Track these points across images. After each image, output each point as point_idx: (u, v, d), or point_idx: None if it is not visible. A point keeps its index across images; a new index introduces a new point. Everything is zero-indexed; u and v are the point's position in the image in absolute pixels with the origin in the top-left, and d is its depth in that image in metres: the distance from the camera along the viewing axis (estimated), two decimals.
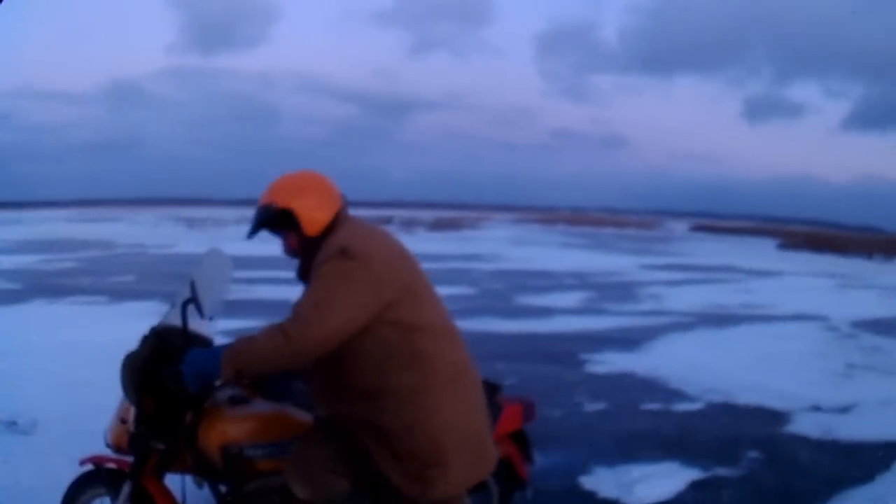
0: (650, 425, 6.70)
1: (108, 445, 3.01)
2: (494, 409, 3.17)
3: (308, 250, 2.71)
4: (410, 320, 2.57)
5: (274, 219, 2.71)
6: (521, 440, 3.57)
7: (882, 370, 9.86)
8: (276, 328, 2.47)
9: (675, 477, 5.31)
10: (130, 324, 11.43)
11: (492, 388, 3.27)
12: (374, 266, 2.52)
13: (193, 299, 2.84)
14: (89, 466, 3.06)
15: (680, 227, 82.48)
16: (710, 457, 5.87)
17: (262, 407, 2.97)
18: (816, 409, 7.63)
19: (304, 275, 2.77)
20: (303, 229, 2.68)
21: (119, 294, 14.61)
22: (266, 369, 2.61)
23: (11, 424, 5.60)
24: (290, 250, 2.81)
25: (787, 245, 52.99)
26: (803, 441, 6.57)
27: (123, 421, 2.95)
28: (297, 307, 2.53)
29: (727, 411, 7.43)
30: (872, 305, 17.40)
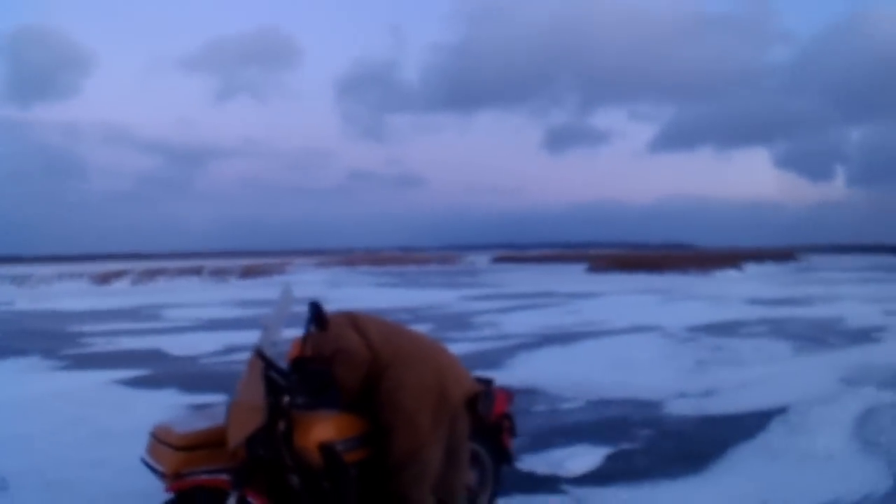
0: (550, 421, 8.28)
1: (161, 474, 3.82)
2: (490, 396, 4.61)
3: None
4: None
5: None
6: (508, 419, 5.06)
7: (729, 363, 12.24)
8: None
9: (591, 454, 6.90)
10: (27, 379, 11.95)
11: (487, 382, 4.79)
12: None
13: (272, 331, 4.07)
14: (170, 495, 3.79)
15: (482, 259, 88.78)
16: (611, 437, 7.57)
17: (330, 410, 4.09)
18: (683, 395, 9.66)
19: None
20: None
21: None
22: None
23: None
24: None
25: (596, 268, 58.81)
26: (683, 418, 8.50)
27: (169, 444, 3.86)
28: None
29: (607, 405, 9.22)
30: (700, 313, 20.68)
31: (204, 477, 3.73)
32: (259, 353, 3.90)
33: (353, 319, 4.26)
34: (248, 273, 56.71)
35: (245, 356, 12.59)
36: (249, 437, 3.69)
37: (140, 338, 17.47)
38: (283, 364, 4.07)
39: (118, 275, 52.98)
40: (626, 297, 27.81)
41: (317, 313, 4.10)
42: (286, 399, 3.82)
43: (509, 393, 5.17)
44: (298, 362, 4.05)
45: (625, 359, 12.73)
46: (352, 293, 32.46)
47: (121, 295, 37.13)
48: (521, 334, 16.39)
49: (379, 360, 4.12)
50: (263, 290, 38.13)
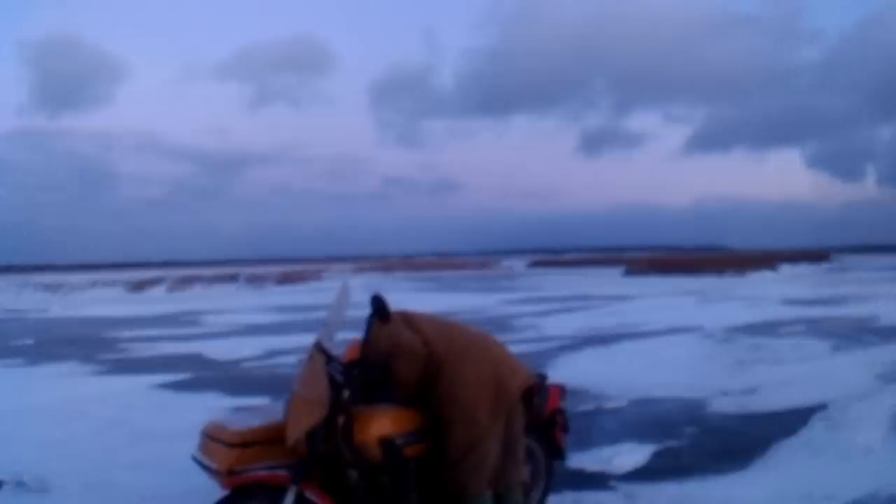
0: (595, 419, 8.40)
1: (214, 471, 3.81)
2: (544, 391, 4.70)
3: None
4: None
5: None
6: (561, 415, 5.11)
7: (769, 361, 12.27)
8: None
9: (637, 451, 7.01)
10: (67, 383, 12.25)
11: (541, 377, 4.77)
12: None
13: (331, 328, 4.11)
14: (226, 492, 3.79)
15: (518, 264, 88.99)
16: (657, 435, 7.66)
17: (388, 405, 4.09)
18: (725, 394, 9.71)
19: None
20: None
21: (31, 357, 15.68)
22: None
23: (20, 484, 6.12)
24: None
25: (633, 271, 58.57)
26: (726, 416, 8.58)
27: (223, 441, 3.87)
28: None
29: (650, 403, 9.31)
30: (738, 314, 20.67)
31: (262, 473, 3.75)
32: (319, 348, 3.90)
33: (405, 317, 4.29)
34: (284, 279, 56.49)
35: (286, 360, 13.19)
36: (309, 432, 3.67)
37: (180, 343, 17.58)
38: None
39: (153, 282, 53.15)
40: (663, 300, 27.79)
41: (380, 306, 4.12)
42: (346, 394, 3.84)
43: (562, 389, 5.20)
44: (352, 365, 4.04)
45: (665, 359, 12.81)
46: (391, 298, 32.43)
47: (157, 302, 37.35)
48: (562, 336, 16.48)
49: (435, 354, 4.14)
50: (301, 296, 38.29)
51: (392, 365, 4.05)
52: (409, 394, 4.16)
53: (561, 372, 11.51)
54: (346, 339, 4.46)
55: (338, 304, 4.24)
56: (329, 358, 3.89)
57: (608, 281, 47.07)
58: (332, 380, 3.80)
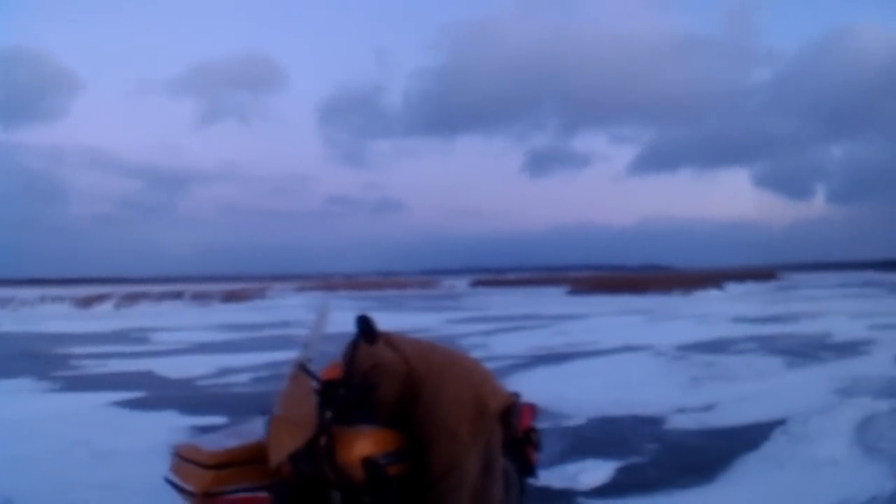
0: (556, 438, 8.50)
1: (190, 493, 3.83)
2: (516, 410, 4.78)
3: None
4: None
5: None
6: (534, 433, 5.29)
7: (723, 378, 12.60)
8: None
9: (601, 468, 7.16)
10: (23, 400, 12.16)
11: (512, 395, 4.87)
12: None
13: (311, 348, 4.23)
14: None
15: (460, 283, 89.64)
16: (618, 452, 7.83)
17: (370, 425, 4.22)
18: (683, 410, 9.97)
19: None
20: None
21: None
22: None
23: None
24: None
25: (577, 290, 59.34)
26: (686, 432, 8.82)
27: (198, 462, 3.89)
28: None
29: (609, 421, 9.51)
30: (687, 332, 21.16)
31: (242, 494, 3.78)
32: (302, 368, 4.02)
33: (386, 337, 4.39)
34: (229, 297, 57.78)
35: (238, 378, 13.24)
36: (293, 454, 3.75)
37: (132, 360, 17.69)
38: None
39: (101, 298, 53.26)
40: (611, 318, 28.23)
41: (366, 327, 4.24)
42: (328, 414, 3.91)
43: (534, 407, 5.42)
44: (332, 384, 4.14)
45: (619, 377, 13.04)
46: (334, 317, 32.56)
47: (105, 318, 37.42)
48: (512, 355, 16.63)
49: (415, 374, 4.27)
50: (247, 314, 38.72)
51: (373, 385, 4.16)
52: (390, 414, 4.28)
53: (523, 394, 11.69)
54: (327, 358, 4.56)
55: (318, 324, 4.37)
56: (312, 378, 4.03)
57: (553, 300, 47.62)
58: (315, 400, 3.92)
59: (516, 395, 4.92)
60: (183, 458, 4.00)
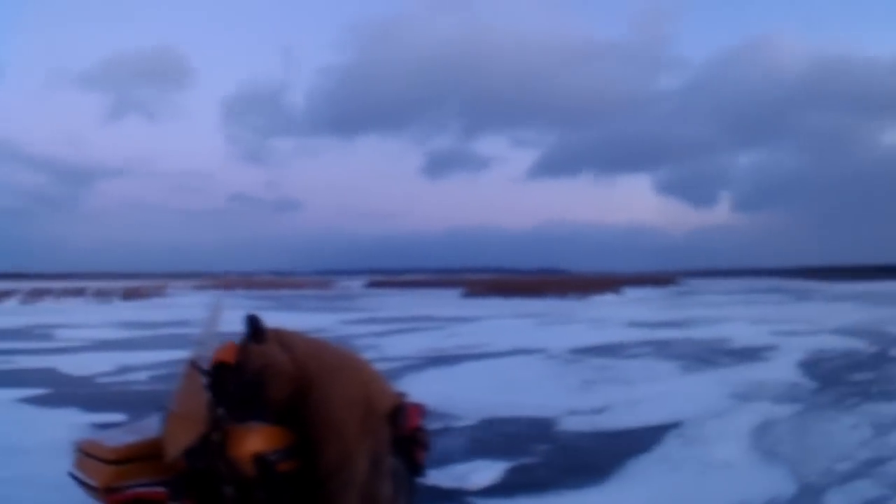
0: (446, 438, 8.35)
1: (92, 488, 3.94)
2: (403, 410, 4.89)
3: None
4: None
5: None
6: (421, 432, 5.25)
7: (616, 381, 12.65)
8: None
9: (492, 468, 7.08)
10: None
11: (400, 395, 5.02)
12: None
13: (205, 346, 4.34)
14: None
15: (355, 284, 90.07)
16: (509, 452, 7.74)
17: (259, 423, 4.35)
18: (574, 413, 9.93)
19: None
20: None
21: None
22: None
23: None
24: None
25: (472, 293, 59.60)
26: (577, 434, 8.77)
27: (100, 458, 4.00)
28: None
29: (500, 422, 9.41)
30: (581, 336, 21.35)
31: (140, 489, 3.91)
32: (194, 365, 4.17)
33: (278, 335, 4.54)
34: (129, 295, 59.15)
35: (139, 376, 13.35)
36: (187, 449, 3.91)
37: (34, 357, 17.65)
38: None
39: (6, 294, 53.82)
40: (505, 321, 28.35)
41: (254, 326, 4.36)
42: (220, 411, 4.11)
43: (422, 407, 5.39)
44: (221, 367, 4.28)
45: (511, 379, 12.97)
46: (229, 316, 32.15)
47: (10, 314, 37.18)
48: (405, 357, 16.50)
49: (305, 373, 4.42)
50: (146, 312, 39.06)
51: (263, 383, 4.35)
52: (281, 411, 4.45)
53: (410, 394, 11.47)
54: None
55: (209, 323, 4.55)
56: (204, 375, 4.18)
57: (447, 302, 47.69)
58: (208, 397, 4.11)
59: (403, 394, 5.09)
60: (85, 453, 4.13)
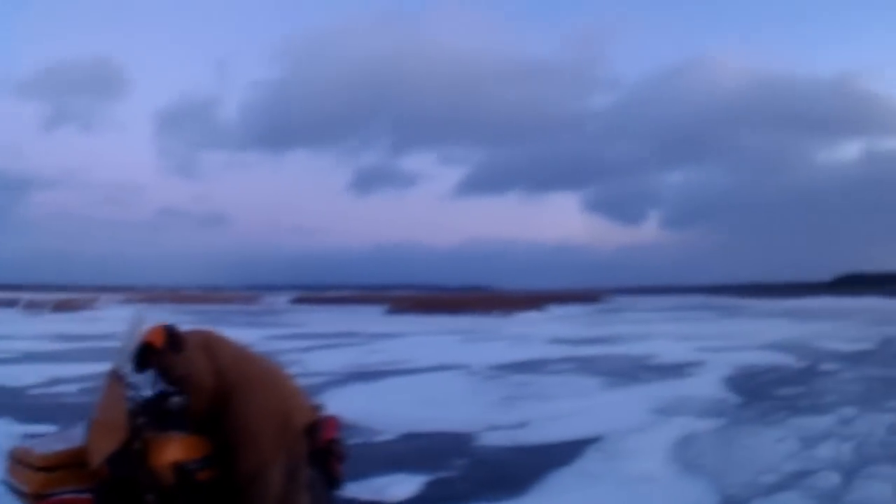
0: (366, 452, 8.22)
1: (23, 494, 4.02)
2: (319, 423, 4.88)
3: None
4: None
5: None
6: (337, 444, 5.16)
7: (537, 397, 12.68)
8: None
9: (411, 481, 7.04)
10: None
11: (316, 407, 5.01)
12: None
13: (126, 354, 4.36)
14: None
15: (281, 299, 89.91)
16: (428, 466, 7.68)
17: (179, 432, 4.38)
18: (494, 428, 9.89)
19: None
20: None
21: None
22: None
23: None
24: None
25: (396, 309, 59.60)
26: (497, 449, 8.74)
27: (30, 465, 4.07)
28: None
29: (419, 437, 9.36)
30: (504, 352, 21.47)
31: (67, 496, 4.02)
32: (115, 375, 4.24)
33: (207, 341, 4.63)
34: (60, 307, 59.84)
35: (69, 388, 13.67)
36: (110, 457, 3.99)
37: None
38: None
39: None
40: (428, 338, 28.40)
41: (172, 337, 4.44)
42: (140, 420, 4.21)
43: (337, 419, 5.30)
44: (147, 348, 4.37)
45: (432, 395, 12.92)
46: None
47: None
48: (328, 372, 16.41)
49: (226, 385, 4.47)
50: (76, 324, 39.16)
51: (182, 393, 4.44)
52: (200, 421, 4.48)
53: (328, 407, 11.36)
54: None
55: (130, 335, 4.51)
56: (125, 385, 4.26)
57: (372, 319, 47.69)
58: (129, 406, 4.20)
59: (319, 407, 5.12)
60: (17, 461, 4.21)
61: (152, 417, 4.34)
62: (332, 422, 5.24)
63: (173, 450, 4.26)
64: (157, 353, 4.42)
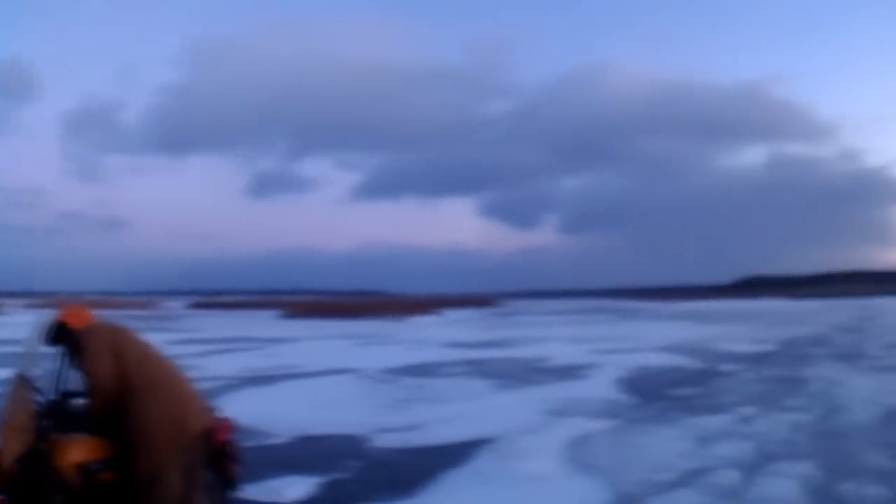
0: (260, 455, 8.18)
1: None
2: (214, 425, 4.84)
3: None
4: None
5: None
6: (231, 446, 5.13)
7: (429, 400, 12.83)
8: None
9: (305, 482, 7.11)
10: None
11: (210, 409, 4.96)
12: None
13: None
14: None
15: (177, 305, 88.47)
16: (322, 468, 7.71)
17: (83, 434, 4.47)
18: (386, 430, 9.97)
19: None
20: None
21: None
22: None
23: None
24: None
25: (290, 314, 59.27)
26: (389, 450, 8.82)
27: None
28: None
29: (312, 440, 9.38)
30: (397, 356, 21.61)
31: None
32: (21, 378, 4.36)
33: (115, 338, 4.66)
34: None
35: None
36: (20, 458, 4.13)
37: None
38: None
39: None
40: (321, 342, 28.45)
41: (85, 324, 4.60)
42: (45, 422, 4.35)
43: (229, 421, 5.33)
44: (62, 327, 4.55)
45: (324, 398, 12.98)
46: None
47: None
48: (223, 376, 16.28)
49: (128, 386, 4.52)
50: None
51: (83, 395, 4.54)
52: (103, 423, 4.54)
53: (223, 410, 11.34)
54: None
55: (33, 339, 4.63)
56: (31, 387, 4.40)
57: (266, 323, 47.32)
58: (35, 408, 4.35)
59: (213, 409, 5.12)
60: None
61: (56, 419, 4.46)
62: (226, 424, 5.33)
63: (77, 451, 4.35)
64: (70, 333, 4.57)
